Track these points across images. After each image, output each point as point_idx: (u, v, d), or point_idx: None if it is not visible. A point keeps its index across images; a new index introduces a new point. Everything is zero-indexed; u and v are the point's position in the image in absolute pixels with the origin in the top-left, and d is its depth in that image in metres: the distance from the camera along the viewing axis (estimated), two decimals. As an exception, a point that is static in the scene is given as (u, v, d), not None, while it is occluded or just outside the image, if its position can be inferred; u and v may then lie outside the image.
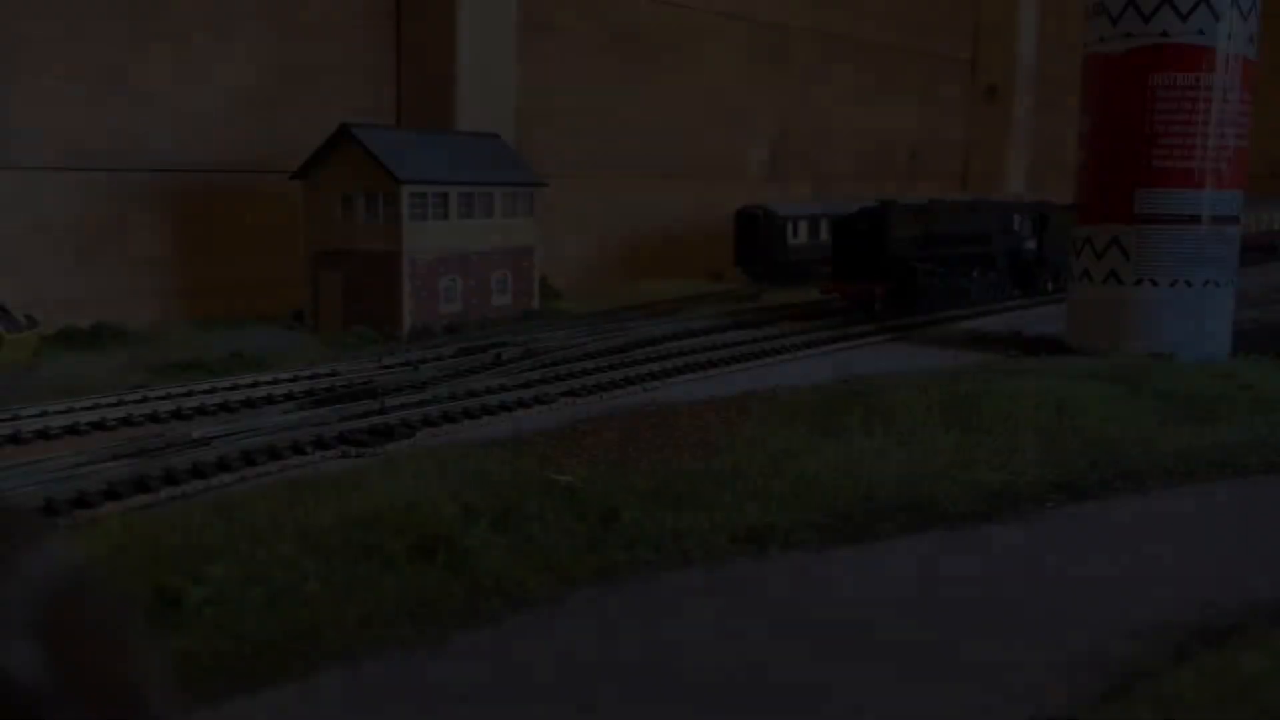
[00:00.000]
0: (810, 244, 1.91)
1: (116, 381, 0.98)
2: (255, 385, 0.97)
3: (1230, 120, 1.18)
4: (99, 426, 0.84)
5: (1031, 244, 1.78)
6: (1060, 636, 0.52)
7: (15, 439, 0.80)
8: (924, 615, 0.54)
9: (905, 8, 2.36)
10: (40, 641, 0.22)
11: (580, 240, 1.73)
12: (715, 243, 1.86)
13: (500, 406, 0.94)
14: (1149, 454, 0.79)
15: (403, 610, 0.51)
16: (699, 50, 1.88)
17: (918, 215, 1.54)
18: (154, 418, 0.86)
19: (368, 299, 1.25)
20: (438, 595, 0.53)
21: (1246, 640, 0.49)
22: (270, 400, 0.93)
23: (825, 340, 1.35)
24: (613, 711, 0.44)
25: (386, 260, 1.22)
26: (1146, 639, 0.51)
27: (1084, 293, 1.26)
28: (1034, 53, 2.64)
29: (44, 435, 0.81)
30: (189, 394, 0.93)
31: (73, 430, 0.83)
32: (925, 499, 0.68)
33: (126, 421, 0.85)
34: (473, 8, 1.37)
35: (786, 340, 1.32)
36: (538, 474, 0.69)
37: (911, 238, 1.50)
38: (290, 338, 1.25)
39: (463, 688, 0.46)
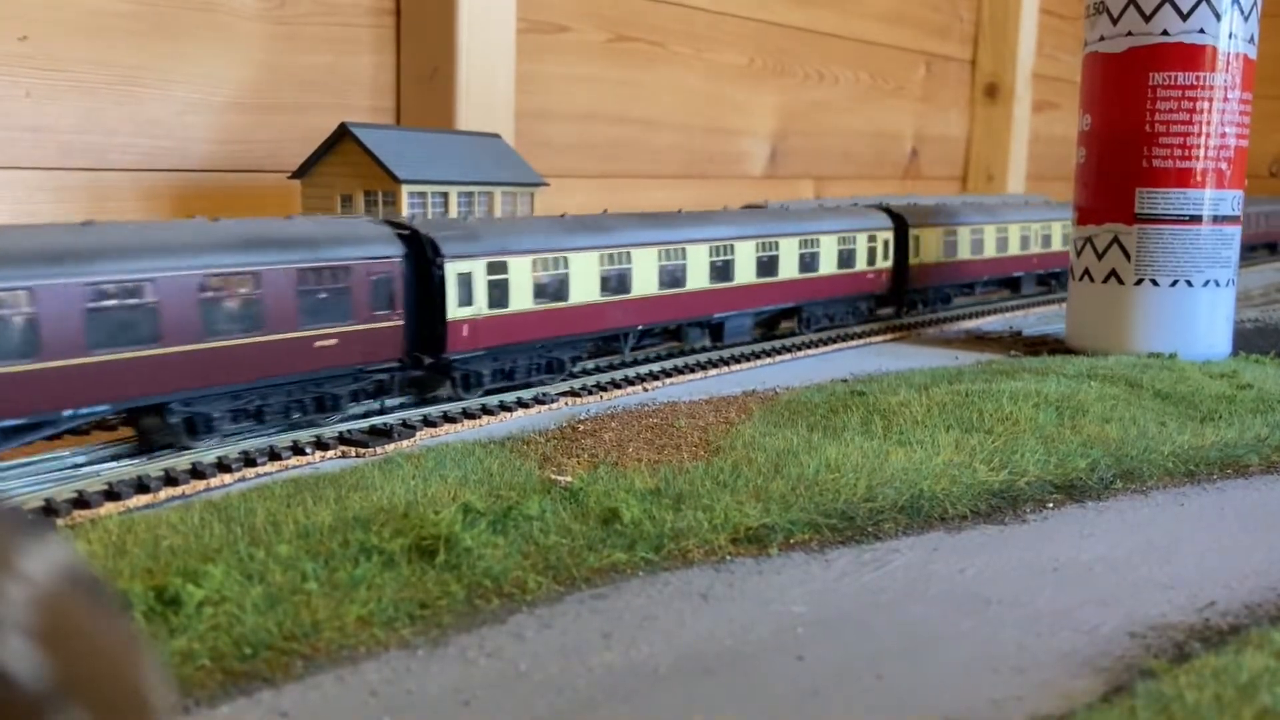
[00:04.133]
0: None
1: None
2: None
3: (1231, 120, 1.18)
4: (100, 426, 0.84)
5: None
6: (1060, 635, 0.52)
7: (15, 439, 0.80)
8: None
9: (905, 8, 2.36)
10: (39, 641, 0.22)
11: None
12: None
13: (500, 406, 0.94)
14: (1149, 454, 0.79)
15: (403, 610, 0.51)
16: (699, 50, 1.88)
17: None
18: (154, 418, 0.86)
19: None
20: (438, 595, 0.52)
21: (1246, 640, 0.49)
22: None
23: (825, 340, 1.34)
24: (613, 711, 0.44)
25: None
26: (1147, 639, 0.51)
27: (1084, 293, 1.26)
28: (1034, 53, 2.64)
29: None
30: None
31: (73, 430, 0.83)
32: (926, 499, 0.68)
33: (127, 421, 0.85)
34: (473, 8, 1.37)
35: (786, 340, 1.32)
36: (538, 474, 0.69)
37: None
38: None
39: (463, 688, 0.46)
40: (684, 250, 1.13)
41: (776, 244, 1.25)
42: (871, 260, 1.42)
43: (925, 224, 1.54)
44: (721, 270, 1.18)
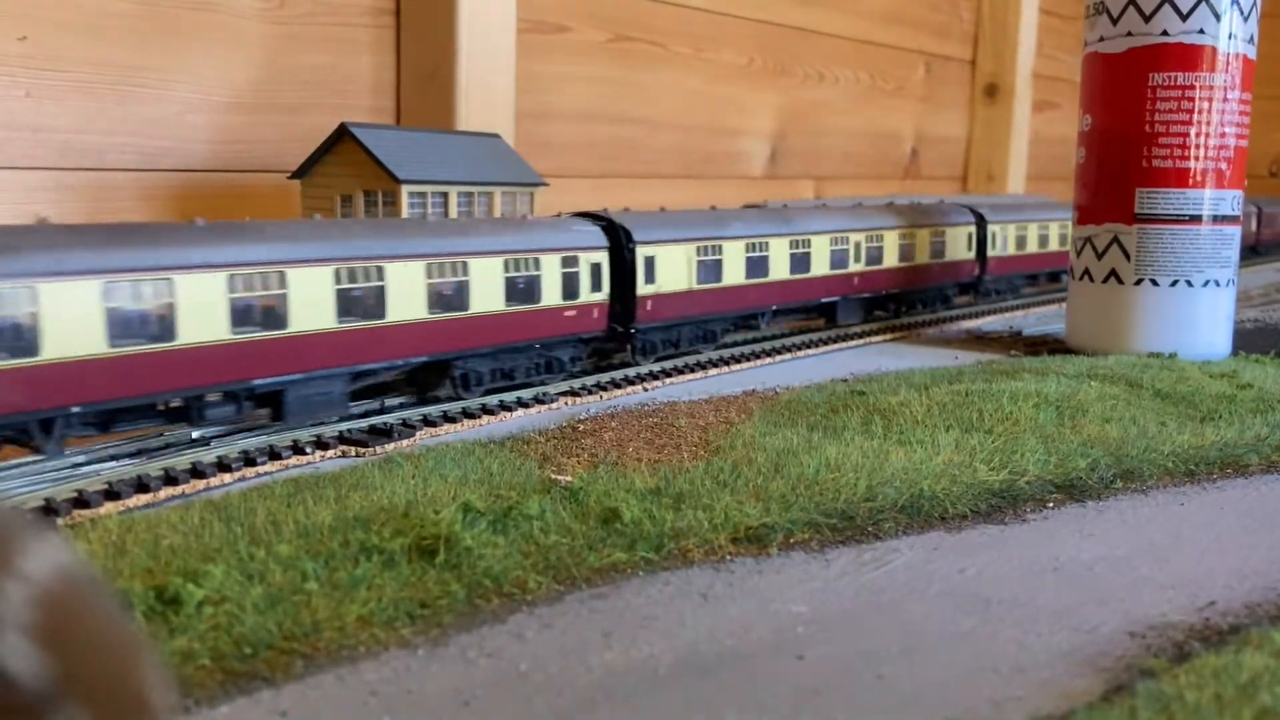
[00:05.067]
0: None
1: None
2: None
3: (1230, 120, 1.18)
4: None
5: None
6: (1060, 635, 0.52)
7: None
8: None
9: (905, 8, 2.36)
10: (39, 640, 0.22)
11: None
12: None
13: (500, 406, 0.94)
14: (1149, 454, 0.79)
15: (403, 610, 0.51)
16: (699, 50, 1.88)
17: None
18: (154, 418, 0.86)
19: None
20: (438, 595, 0.53)
21: (1246, 640, 0.49)
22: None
23: (825, 340, 1.34)
24: (613, 711, 0.44)
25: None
26: (1147, 638, 0.51)
27: (1084, 293, 1.26)
28: (1034, 53, 2.64)
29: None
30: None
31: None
32: (926, 499, 0.68)
33: (126, 421, 0.85)
34: (473, 8, 1.37)
35: (786, 340, 1.32)
36: (538, 474, 0.69)
37: None
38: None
39: (463, 688, 0.46)
40: (170, 284, 0.72)
41: (380, 271, 0.85)
42: (572, 291, 1.02)
43: (666, 240, 1.12)
44: (262, 315, 0.78)
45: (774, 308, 1.29)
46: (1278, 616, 0.54)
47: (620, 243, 1.08)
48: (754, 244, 1.24)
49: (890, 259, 1.47)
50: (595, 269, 1.05)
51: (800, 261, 1.31)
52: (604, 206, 1.21)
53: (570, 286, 1.02)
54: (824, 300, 1.37)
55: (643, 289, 1.10)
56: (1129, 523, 0.69)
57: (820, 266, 1.34)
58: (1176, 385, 0.95)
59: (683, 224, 1.17)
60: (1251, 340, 1.32)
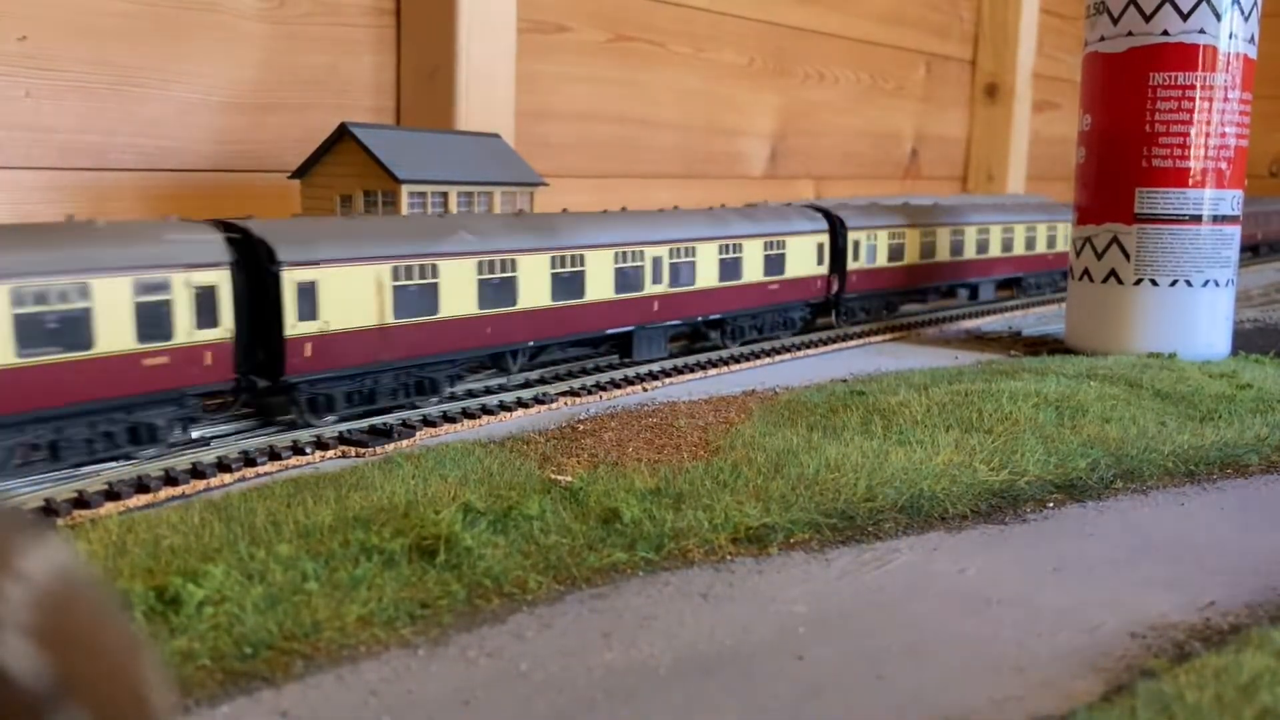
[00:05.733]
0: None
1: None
2: (255, 385, 0.97)
3: (1231, 120, 1.18)
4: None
5: None
6: (1060, 635, 0.52)
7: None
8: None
9: (905, 8, 2.36)
10: (39, 641, 0.22)
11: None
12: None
13: (500, 406, 0.94)
14: (1149, 454, 0.79)
15: (403, 610, 0.51)
16: (699, 50, 1.88)
17: None
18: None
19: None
20: (438, 595, 0.53)
21: (1247, 640, 0.49)
22: (269, 400, 0.92)
23: (825, 340, 1.34)
24: (613, 711, 0.44)
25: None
26: (1148, 638, 0.51)
27: (1084, 293, 1.26)
28: (1034, 53, 2.64)
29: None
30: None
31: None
32: (926, 499, 0.68)
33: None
34: (473, 8, 1.37)
35: (786, 340, 1.32)
36: (538, 474, 0.69)
37: None
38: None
39: (463, 688, 0.46)
40: None
41: None
42: (159, 330, 0.73)
43: (336, 259, 0.83)
44: None
45: (530, 344, 1.02)
46: (1278, 616, 0.54)
47: (260, 262, 0.80)
48: (491, 262, 0.95)
49: (706, 278, 1.19)
50: (205, 296, 0.76)
51: (569, 284, 1.03)
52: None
53: (154, 323, 0.73)
54: (609, 331, 1.09)
55: (296, 328, 0.81)
56: (1129, 523, 0.69)
57: (600, 290, 1.06)
58: (1176, 385, 0.95)
59: (370, 237, 0.87)
60: (1251, 340, 1.32)
